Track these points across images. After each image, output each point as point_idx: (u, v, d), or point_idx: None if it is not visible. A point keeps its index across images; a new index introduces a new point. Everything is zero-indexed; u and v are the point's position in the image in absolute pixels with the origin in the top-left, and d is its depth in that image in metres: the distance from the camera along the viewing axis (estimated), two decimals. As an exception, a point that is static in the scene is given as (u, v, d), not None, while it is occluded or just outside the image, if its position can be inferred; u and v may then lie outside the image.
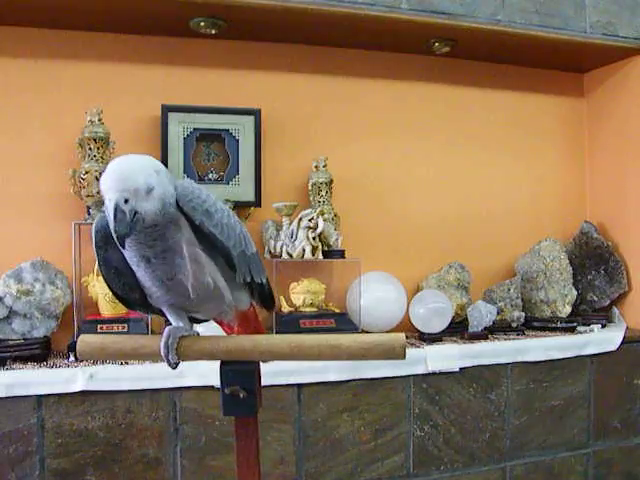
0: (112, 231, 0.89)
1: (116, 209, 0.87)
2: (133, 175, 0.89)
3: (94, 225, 1.01)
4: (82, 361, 1.78)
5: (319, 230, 2.14)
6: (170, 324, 1.05)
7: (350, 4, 2.07)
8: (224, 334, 1.19)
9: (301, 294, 2.18)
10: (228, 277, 1.03)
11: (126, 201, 0.87)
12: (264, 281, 1.13)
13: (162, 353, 0.99)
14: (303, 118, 2.39)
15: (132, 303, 1.07)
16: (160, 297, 1.02)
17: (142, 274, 0.99)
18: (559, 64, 2.70)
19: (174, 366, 1.00)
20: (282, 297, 2.22)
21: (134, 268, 0.99)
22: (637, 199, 2.55)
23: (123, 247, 0.91)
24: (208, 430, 1.78)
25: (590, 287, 2.61)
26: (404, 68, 2.53)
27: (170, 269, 0.96)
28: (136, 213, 0.88)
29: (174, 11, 2.01)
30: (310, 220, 2.14)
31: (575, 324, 2.40)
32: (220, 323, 1.17)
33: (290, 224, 2.19)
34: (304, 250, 2.14)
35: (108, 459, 1.71)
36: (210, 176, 2.25)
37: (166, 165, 2.16)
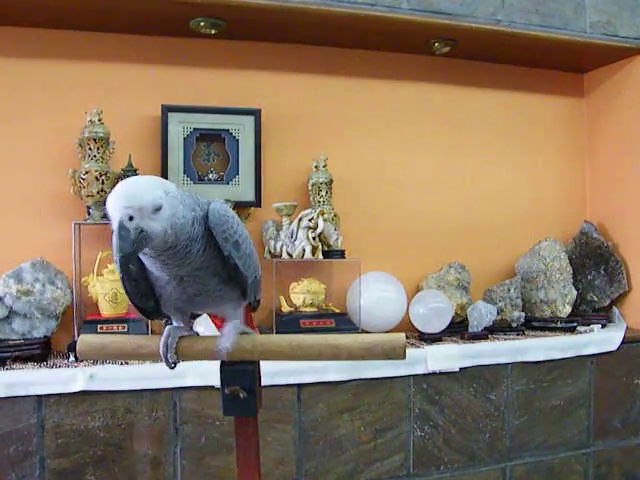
0: (114, 250, 0.86)
1: (120, 227, 0.84)
2: (138, 192, 0.87)
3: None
4: (82, 361, 1.78)
5: (319, 230, 2.14)
6: (169, 324, 1.05)
7: (350, 4, 2.07)
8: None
9: (301, 294, 2.18)
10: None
11: (131, 218, 0.85)
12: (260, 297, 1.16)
13: (161, 352, 0.99)
14: (303, 118, 2.39)
15: (149, 312, 1.07)
16: (177, 307, 1.03)
17: (170, 290, 0.99)
18: (559, 64, 2.70)
19: (172, 366, 1.00)
20: (282, 297, 2.22)
21: (160, 285, 0.99)
22: (637, 199, 2.55)
23: (122, 268, 0.89)
24: (208, 430, 1.78)
25: (590, 287, 2.61)
26: (404, 68, 2.53)
27: (202, 287, 0.98)
28: (142, 231, 0.85)
29: (174, 11, 2.01)
30: (310, 220, 2.14)
31: (575, 324, 2.40)
32: (214, 317, 1.18)
33: (290, 224, 2.19)
34: (304, 250, 2.14)
35: (108, 459, 1.71)
36: (210, 176, 2.25)
37: (166, 165, 2.16)
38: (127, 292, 1.02)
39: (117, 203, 0.86)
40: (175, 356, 1.00)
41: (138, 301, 1.03)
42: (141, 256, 0.93)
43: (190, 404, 1.77)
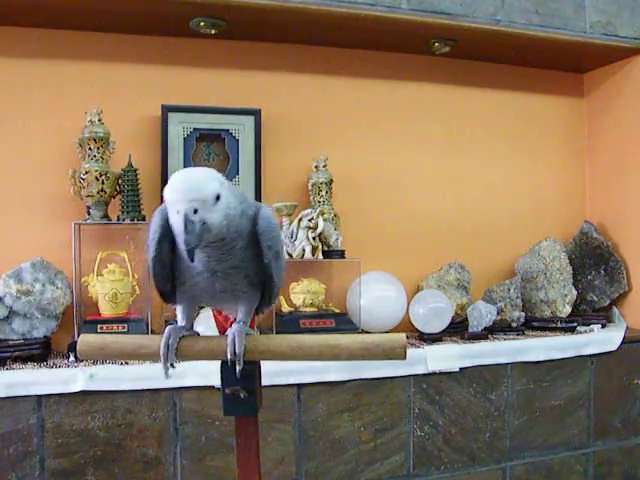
0: (181, 243, 0.87)
1: (187, 220, 0.85)
2: (201, 184, 0.88)
3: (156, 219, 0.99)
4: (82, 361, 1.78)
5: (319, 230, 2.14)
6: (170, 324, 1.05)
7: (350, 4, 2.07)
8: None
9: (301, 294, 2.18)
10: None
11: (195, 211, 0.86)
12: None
13: (161, 352, 0.99)
14: (303, 118, 2.39)
15: (167, 296, 1.06)
16: (195, 297, 1.04)
17: (198, 281, 0.99)
18: (559, 64, 2.70)
19: (170, 367, 0.99)
20: (282, 297, 2.22)
21: (190, 274, 0.99)
22: (637, 199, 2.55)
23: (192, 260, 0.89)
24: (208, 430, 1.78)
25: (590, 287, 2.61)
26: (404, 68, 2.53)
27: (231, 284, 0.99)
28: (204, 223, 0.87)
29: (174, 11, 2.01)
30: (310, 220, 2.14)
31: (575, 324, 2.40)
32: (217, 312, 1.18)
33: (290, 224, 2.19)
34: (304, 250, 2.14)
35: (108, 459, 1.71)
36: (210, 176, 2.24)
37: (166, 165, 2.16)
38: (154, 275, 1.01)
39: (181, 196, 0.87)
40: (175, 357, 0.99)
41: (160, 284, 1.03)
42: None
43: (190, 404, 1.77)
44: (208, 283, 0.99)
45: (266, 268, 0.99)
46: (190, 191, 0.87)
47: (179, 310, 1.07)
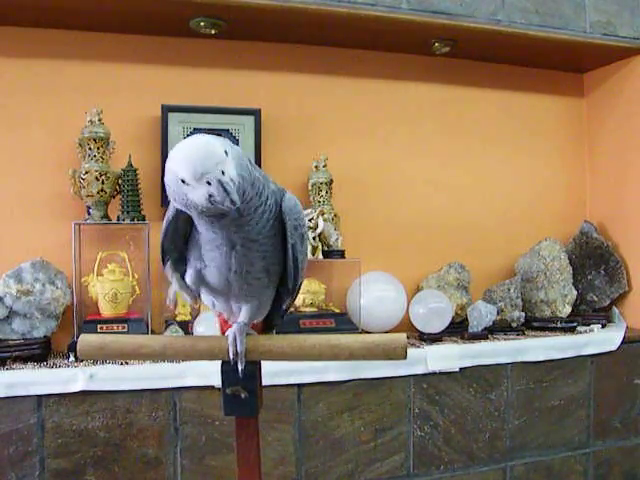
0: (226, 207, 0.86)
1: (221, 182, 0.85)
2: (213, 148, 0.87)
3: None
4: (82, 361, 1.78)
5: (319, 230, 2.14)
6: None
7: (350, 4, 2.07)
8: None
9: (301, 294, 2.18)
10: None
11: (223, 172, 0.86)
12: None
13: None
14: (303, 118, 2.39)
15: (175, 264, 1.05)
16: (204, 280, 1.02)
17: (214, 256, 0.97)
18: (559, 64, 2.70)
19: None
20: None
21: (207, 249, 0.98)
22: (637, 199, 2.55)
23: (241, 215, 0.89)
24: (208, 430, 1.78)
25: (590, 287, 2.61)
26: (404, 68, 2.53)
27: (247, 264, 0.97)
28: (231, 179, 0.87)
29: (174, 11, 2.01)
30: (310, 220, 2.14)
31: (575, 324, 2.40)
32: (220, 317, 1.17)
33: (290, 224, 2.19)
34: (304, 250, 2.14)
35: (108, 459, 1.71)
36: (210, 176, 2.24)
37: (166, 165, 2.15)
38: (163, 246, 1.01)
39: (204, 165, 0.85)
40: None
41: (169, 252, 1.03)
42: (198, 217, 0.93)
43: (190, 404, 1.77)
44: (223, 259, 0.96)
45: (290, 251, 0.98)
46: (209, 158, 0.85)
47: (207, 302, 1.06)
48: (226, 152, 0.88)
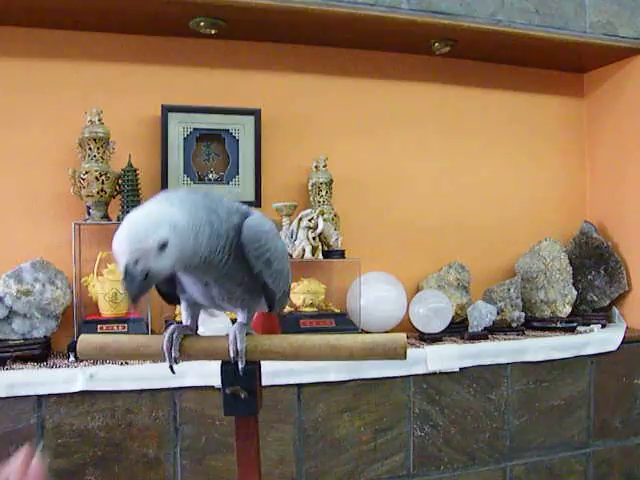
0: (123, 290, 0.87)
1: (126, 272, 0.83)
2: (142, 234, 0.83)
3: None
4: (82, 361, 1.78)
5: (319, 230, 2.14)
6: (170, 324, 1.05)
7: (350, 4, 2.07)
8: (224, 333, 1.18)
9: (301, 294, 2.18)
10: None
11: (136, 262, 0.83)
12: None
13: (165, 347, 0.98)
14: (303, 118, 2.39)
15: (170, 298, 1.09)
16: (196, 302, 1.05)
17: (194, 290, 1.01)
18: (559, 64, 2.70)
19: (174, 362, 0.99)
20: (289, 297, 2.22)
21: (186, 283, 1.01)
22: (637, 199, 2.55)
23: (134, 302, 0.87)
24: (208, 430, 1.78)
25: (590, 287, 2.61)
26: (404, 68, 2.53)
27: (227, 293, 1.00)
28: (148, 272, 0.84)
29: (174, 11, 2.01)
30: (310, 220, 2.14)
31: (575, 324, 2.40)
32: None
33: (290, 224, 2.19)
34: (304, 250, 2.14)
35: (108, 459, 1.71)
36: (210, 176, 2.25)
37: (166, 165, 2.15)
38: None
39: (122, 247, 0.84)
40: (178, 352, 0.99)
41: (162, 286, 1.05)
42: None
43: (190, 404, 1.77)
44: (204, 292, 1.00)
45: (259, 277, 0.98)
46: (131, 241, 0.83)
47: (183, 309, 1.07)
48: (165, 244, 0.84)
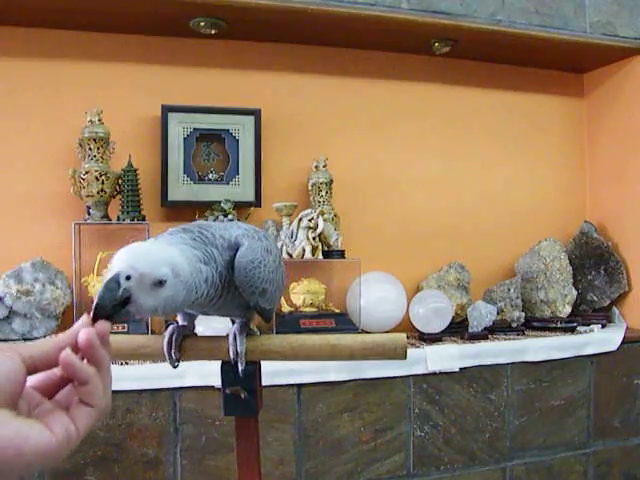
0: (95, 298, 0.71)
1: (112, 279, 0.73)
2: (148, 259, 0.78)
3: None
4: (82, 361, 1.78)
5: (319, 230, 2.14)
6: (170, 324, 1.05)
7: (350, 4, 2.07)
8: (225, 334, 1.19)
9: (301, 294, 2.18)
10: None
11: (128, 278, 0.74)
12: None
13: (165, 349, 0.98)
14: (303, 118, 2.39)
15: None
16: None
17: (192, 311, 1.02)
18: (559, 64, 2.70)
19: (176, 364, 0.99)
20: (282, 297, 2.22)
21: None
22: (637, 199, 2.55)
23: (97, 316, 0.70)
24: (208, 430, 1.78)
25: (590, 287, 2.61)
26: (404, 68, 2.53)
27: (224, 312, 1.02)
28: (129, 297, 0.74)
29: (174, 11, 2.01)
30: (310, 220, 2.14)
31: (575, 324, 2.40)
32: None
33: (290, 224, 2.19)
34: (304, 250, 2.14)
35: (108, 459, 1.71)
36: (210, 176, 2.25)
37: (166, 165, 2.15)
38: None
39: (123, 257, 0.77)
40: (179, 354, 0.99)
41: None
42: None
43: (190, 404, 1.77)
44: (201, 312, 1.01)
45: (255, 307, 0.99)
46: (134, 256, 0.77)
47: (179, 315, 1.07)
48: (161, 282, 0.78)
